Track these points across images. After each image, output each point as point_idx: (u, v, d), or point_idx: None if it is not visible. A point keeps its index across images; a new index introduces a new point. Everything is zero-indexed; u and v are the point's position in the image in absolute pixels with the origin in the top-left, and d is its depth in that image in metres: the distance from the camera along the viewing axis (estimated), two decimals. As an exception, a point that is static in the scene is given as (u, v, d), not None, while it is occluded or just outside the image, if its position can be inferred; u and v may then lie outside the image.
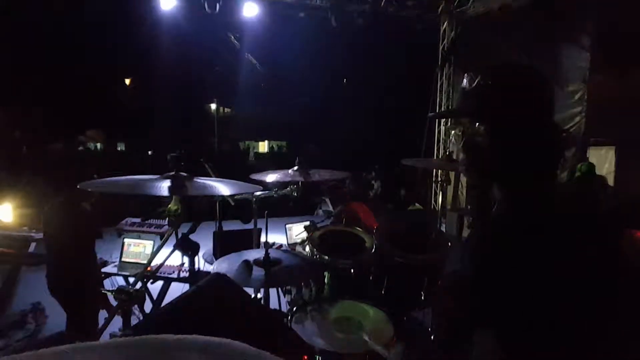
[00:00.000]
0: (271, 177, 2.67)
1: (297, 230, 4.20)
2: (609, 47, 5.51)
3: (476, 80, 1.02)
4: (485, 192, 1.08)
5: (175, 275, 3.44)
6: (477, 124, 1.00)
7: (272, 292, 2.55)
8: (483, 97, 1.00)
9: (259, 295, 2.45)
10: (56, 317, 3.40)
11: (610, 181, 5.47)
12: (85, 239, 3.13)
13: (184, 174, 1.70)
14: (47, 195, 3.34)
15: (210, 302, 1.19)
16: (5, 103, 13.43)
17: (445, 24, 8.04)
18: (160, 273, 3.36)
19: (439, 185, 7.53)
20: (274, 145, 24.43)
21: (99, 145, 19.45)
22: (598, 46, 5.66)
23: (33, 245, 3.77)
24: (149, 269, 2.60)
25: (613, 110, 5.37)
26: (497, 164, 1.00)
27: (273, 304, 2.69)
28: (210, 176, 2.57)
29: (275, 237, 4.16)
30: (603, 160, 5.85)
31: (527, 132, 0.95)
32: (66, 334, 2.87)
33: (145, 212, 3.77)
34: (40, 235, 3.69)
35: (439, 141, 8.46)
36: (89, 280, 3.13)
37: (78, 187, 1.65)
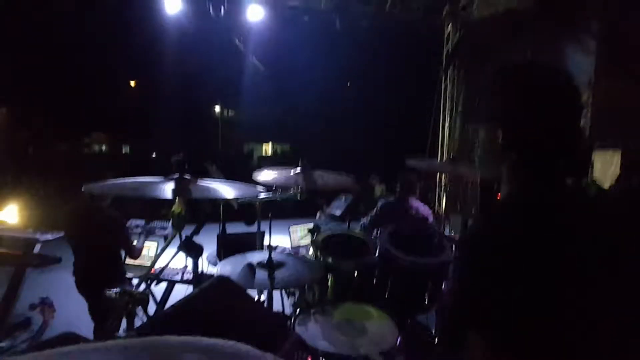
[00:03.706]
0: (274, 178, 2.66)
1: (301, 233, 4.21)
2: (613, 50, 5.48)
3: (500, 79, 1.03)
4: (490, 188, 1.08)
5: (178, 277, 3.44)
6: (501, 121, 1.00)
7: (276, 294, 2.55)
8: (507, 96, 1.01)
9: (262, 298, 2.46)
10: (63, 315, 3.41)
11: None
12: (114, 236, 3.17)
13: (188, 177, 1.70)
14: (60, 196, 3.37)
15: (213, 304, 1.19)
16: (12, 104, 13.52)
17: (449, 26, 8.04)
18: (164, 275, 3.36)
19: (443, 188, 7.51)
20: (277, 148, 24.45)
21: (103, 147, 19.57)
22: (603, 50, 5.64)
23: (38, 246, 3.78)
24: (152, 270, 2.61)
25: (618, 114, 5.34)
26: (515, 157, 0.99)
27: (276, 306, 2.68)
28: (214, 178, 2.57)
29: (279, 240, 4.16)
30: (608, 164, 5.81)
31: (551, 132, 0.95)
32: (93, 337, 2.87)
33: (150, 214, 3.78)
34: (45, 237, 3.70)
35: (443, 144, 8.44)
36: (117, 277, 3.16)
37: (83, 189, 1.66)
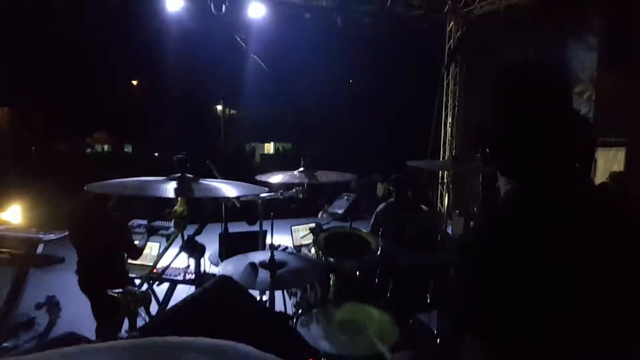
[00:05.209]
0: (277, 179, 2.68)
1: (303, 233, 4.21)
2: (616, 46, 5.46)
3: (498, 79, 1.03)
4: (492, 186, 1.07)
5: (181, 277, 3.45)
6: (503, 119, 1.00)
7: (278, 294, 2.55)
8: (505, 96, 1.01)
9: (264, 298, 2.46)
10: (66, 314, 3.42)
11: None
12: (115, 237, 3.18)
13: (190, 176, 1.70)
14: (62, 196, 3.38)
15: (215, 304, 1.19)
16: (14, 104, 13.55)
17: (451, 23, 8.02)
18: (166, 275, 3.37)
19: (445, 186, 7.50)
20: (279, 147, 24.43)
21: (105, 147, 19.60)
22: (605, 45, 5.62)
23: (41, 246, 3.79)
24: (155, 270, 2.62)
25: (622, 110, 5.32)
26: (514, 155, 0.99)
27: (278, 306, 2.68)
28: (216, 178, 2.58)
29: (281, 239, 4.16)
30: (612, 161, 5.79)
31: (549, 127, 0.95)
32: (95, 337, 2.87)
33: (152, 213, 3.79)
34: (48, 237, 3.71)
35: (445, 142, 8.43)
36: (119, 277, 3.18)
37: (85, 189, 1.66)
